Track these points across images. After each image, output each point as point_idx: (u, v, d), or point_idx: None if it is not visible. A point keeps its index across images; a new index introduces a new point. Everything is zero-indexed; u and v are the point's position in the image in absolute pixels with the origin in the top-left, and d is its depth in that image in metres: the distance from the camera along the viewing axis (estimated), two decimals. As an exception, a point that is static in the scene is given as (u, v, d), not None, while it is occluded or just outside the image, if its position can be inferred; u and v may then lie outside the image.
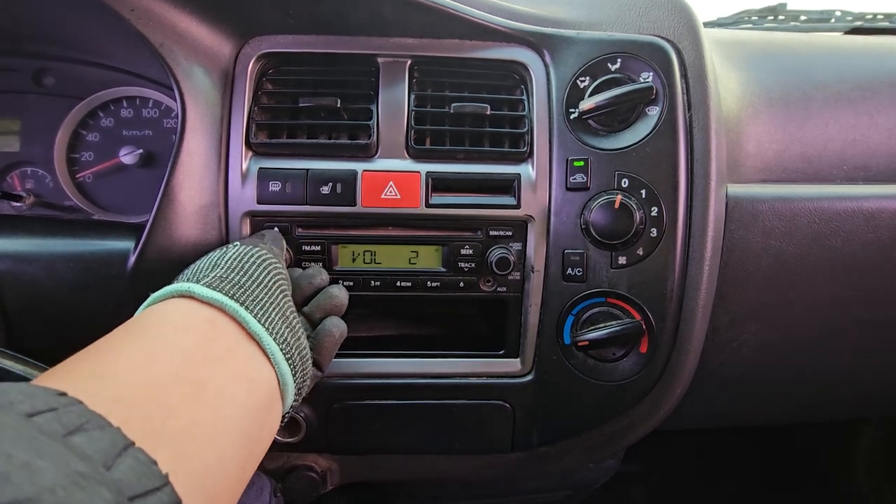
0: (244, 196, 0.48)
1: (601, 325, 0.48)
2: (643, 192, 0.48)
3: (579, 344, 0.49)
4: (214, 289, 0.34)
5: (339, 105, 0.49)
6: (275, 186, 0.48)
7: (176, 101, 0.46)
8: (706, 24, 0.90)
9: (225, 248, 0.41)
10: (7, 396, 0.20)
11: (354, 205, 0.48)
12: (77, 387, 0.22)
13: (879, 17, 0.87)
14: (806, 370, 0.63)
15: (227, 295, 0.34)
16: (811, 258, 0.53)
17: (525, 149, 0.50)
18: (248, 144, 0.49)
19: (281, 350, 0.35)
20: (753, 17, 0.91)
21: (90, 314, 0.46)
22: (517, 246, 0.50)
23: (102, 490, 0.18)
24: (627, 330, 0.48)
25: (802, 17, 0.89)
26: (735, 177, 0.54)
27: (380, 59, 0.51)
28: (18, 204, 0.55)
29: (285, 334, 0.36)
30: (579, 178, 0.48)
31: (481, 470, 0.57)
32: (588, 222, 0.48)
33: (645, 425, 0.54)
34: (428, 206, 0.49)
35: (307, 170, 0.48)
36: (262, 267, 0.39)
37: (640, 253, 0.48)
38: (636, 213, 0.47)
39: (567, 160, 0.49)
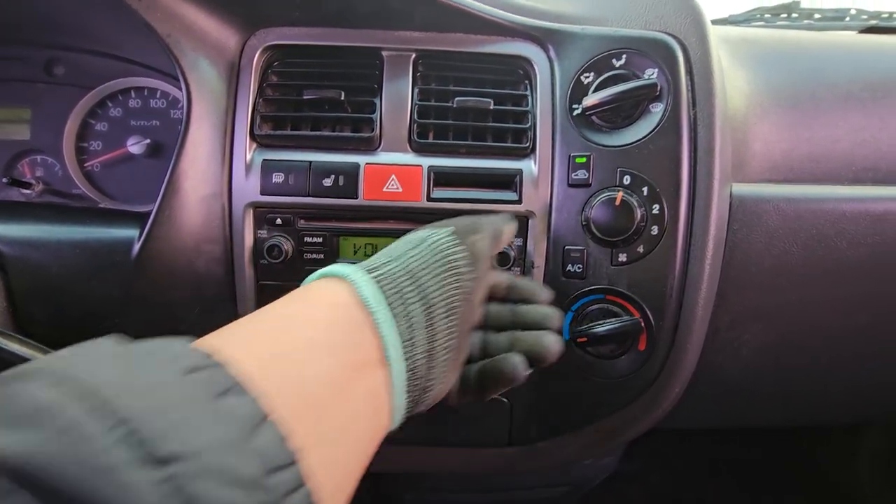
0: (248, 187, 0.49)
1: (600, 322, 0.48)
2: (645, 189, 0.48)
3: (578, 340, 0.49)
4: (390, 307, 0.30)
5: (342, 98, 0.49)
6: (278, 178, 0.49)
7: (182, 91, 0.47)
8: (718, 22, 0.90)
9: (420, 239, 0.35)
10: (170, 351, 0.20)
11: (356, 197, 0.49)
12: (223, 351, 0.22)
13: (896, 15, 0.86)
14: (807, 374, 0.62)
15: (396, 322, 0.30)
16: (815, 260, 0.53)
17: (527, 144, 0.49)
18: (253, 136, 0.49)
19: (407, 387, 0.30)
20: (766, 15, 0.90)
21: (95, 300, 0.47)
22: (518, 241, 0.50)
23: (249, 457, 0.18)
24: (626, 327, 0.48)
25: (816, 16, 0.88)
26: (741, 176, 0.53)
27: (384, 53, 0.51)
28: (28, 191, 0.56)
29: (421, 368, 0.31)
30: (581, 174, 0.48)
31: (478, 463, 0.58)
32: (589, 219, 0.48)
33: (642, 423, 0.53)
34: (430, 199, 0.49)
35: (310, 162, 0.49)
36: (443, 282, 0.33)
37: (641, 250, 0.48)
38: (637, 211, 0.47)
39: (569, 156, 0.49)
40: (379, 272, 0.31)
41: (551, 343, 0.38)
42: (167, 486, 0.15)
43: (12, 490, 0.14)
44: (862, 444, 1.02)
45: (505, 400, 0.52)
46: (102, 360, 0.19)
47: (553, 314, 0.40)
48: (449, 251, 0.34)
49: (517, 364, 0.36)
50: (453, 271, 0.33)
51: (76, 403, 0.16)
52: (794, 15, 0.88)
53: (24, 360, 0.39)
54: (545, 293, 0.42)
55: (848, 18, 0.86)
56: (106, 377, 0.18)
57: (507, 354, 0.37)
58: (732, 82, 0.55)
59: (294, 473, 0.19)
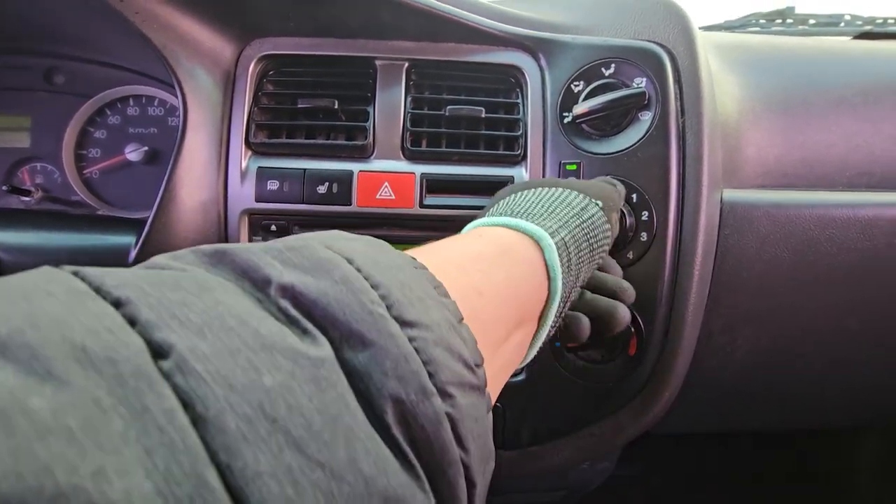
0: (243, 194, 0.50)
1: (591, 327, 0.49)
2: (634, 196, 0.48)
3: (568, 345, 0.49)
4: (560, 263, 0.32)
5: (336, 106, 0.50)
6: (273, 185, 0.49)
7: (178, 100, 0.47)
8: (713, 28, 0.90)
9: (580, 207, 0.37)
10: (391, 247, 0.23)
11: (350, 204, 0.49)
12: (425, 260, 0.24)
13: (890, 21, 0.86)
14: (802, 378, 0.62)
15: (564, 269, 0.32)
16: (806, 265, 0.53)
17: (519, 152, 0.50)
18: (248, 144, 0.50)
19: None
20: (761, 21, 0.90)
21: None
22: (510, 247, 0.50)
23: (461, 343, 0.20)
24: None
25: (811, 21, 0.88)
26: (735, 182, 0.54)
27: (377, 62, 0.52)
28: (27, 198, 0.57)
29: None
30: (571, 181, 0.49)
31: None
32: (579, 225, 0.48)
33: (634, 427, 0.54)
34: (422, 206, 0.50)
35: (304, 169, 0.50)
36: (592, 258, 0.36)
37: (631, 257, 0.49)
38: (627, 218, 0.47)
39: (560, 164, 0.49)
40: (558, 238, 0.33)
41: (623, 314, 0.39)
42: (413, 344, 0.18)
43: (302, 318, 0.17)
44: (861, 447, 1.02)
45: (497, 404, 0.53)
46: (351, 239, 0.22)
47: (629, 288, 0.42)
48: (602, 229, 0.37)
49: (584, 324, 0.38)
50: (600, 250, 0.37)
51: (342, 266, 0.19)
52: (789, 20, 0.89)
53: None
54: (618, 267, 0.45)
55: (842, 24, 0.87)
56: (358, 251, 0.20)
57: (577, 313, 0.38)
58: (724, 88, 0.55)
59: (482, 374, 0.21)
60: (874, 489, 1.00)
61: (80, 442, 0.11)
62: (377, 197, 0.49)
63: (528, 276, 0.30)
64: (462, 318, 0.21)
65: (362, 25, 0.51)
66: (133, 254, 0.47)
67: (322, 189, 0.49)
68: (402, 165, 0.50)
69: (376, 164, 0.50)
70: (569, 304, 0.34)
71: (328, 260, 0.19)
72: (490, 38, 0.51)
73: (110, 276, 0.15)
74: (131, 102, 0.60)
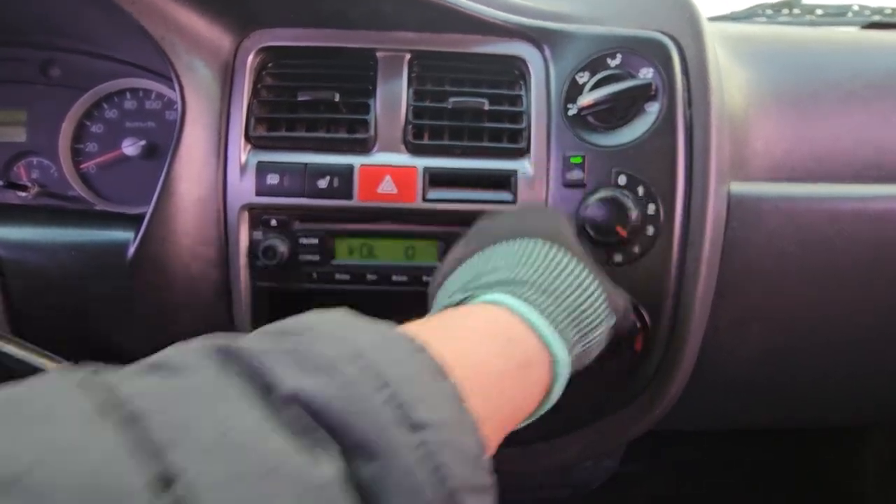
0: (242, 189, 0.49)
1: (596, 323, 0.48)
2: (640, 189, 0.47)
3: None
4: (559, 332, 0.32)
5: (337, 99, 0.49)
6: (273, 180, 0.49)
7: (176, 93, 0.47)
8: (719, 18, 0.89)
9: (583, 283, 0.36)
10: (395, 330, 0.23)
11: (351, 198, 0.49)
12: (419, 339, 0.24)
13: (899, 11, 0.85)
14: (810, 374, 0.62)
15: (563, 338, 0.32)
16: (815, 259, 0.52)
17: (523, 144, 0.49)
18: (248, 137, 0.49)
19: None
20: (768, 11, 0.89)
21: (91, 302, 0.47)
22: (513, 242, 0.50)
23: (469, 436, 0.20)
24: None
25: (818, 11, 0.87)
26: (742, 175, 0.53)
27: (378, 54, 0.51)
28: (24, 194, 0.56)
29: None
30: (576, 174, 0.48)
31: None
32: (584, 219, 0.47)
33: (640, 424, 0.53)
34: (425, 200, 0.49)
35: (305, 163, 0.49)
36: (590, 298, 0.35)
37: (637, 251, 0.48)
38: (632, 211, 0.46)
39: (564, 156, 0.49)
40: (573, 355, 0.33)
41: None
42: (421, 451, 0.18)
43: (312, 426, 0.17)
44: (866, 445, 1.02)
45: (501, 401, 0.52)
46: (359, 329, 0.21)
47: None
48: (600, 309, 0.36)
49: None
50: (574, 277, 0.35)
51: (351, 364, 0.19)
52: (796, 11, 0.87)
53: (19, 362, 0.40)
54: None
55: (850, 14, 0.85)
56: (366, 344, 0.20)
57: None
58: (732, 80, 0.54)
59: (487, 465, 0.21)
60: (880, 488, 1.00)
61: None
62: (379, 191, 0.49)
63: (535, 387, 0.31)
64: (464, 401, 0.21)
65: (363, 16, 0.50)
66: (132, 250, 0.47)
67: (323, 183, 0.49)
68: (405, 159, 0.49)
69: (378, 158, 0.49)
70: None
71: (336, 360, 0.19)
72: (493, 28, 0.50)
73: (125, 384, 0.15)
74: (128, 96, 0.59)
